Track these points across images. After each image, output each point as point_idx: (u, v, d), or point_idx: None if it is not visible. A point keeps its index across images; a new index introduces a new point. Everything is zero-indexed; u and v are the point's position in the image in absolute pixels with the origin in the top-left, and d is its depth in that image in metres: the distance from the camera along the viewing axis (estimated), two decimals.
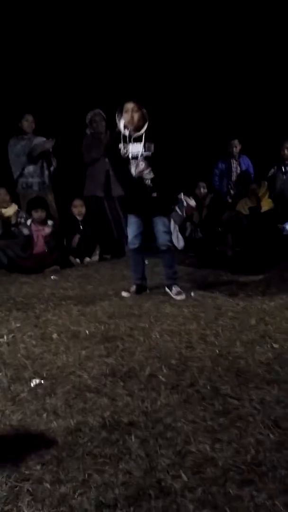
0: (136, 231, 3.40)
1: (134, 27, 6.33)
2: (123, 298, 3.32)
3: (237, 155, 5.97)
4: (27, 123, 5.27)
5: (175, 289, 3.33)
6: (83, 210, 5.21)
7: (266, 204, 5.15)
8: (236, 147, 5.93)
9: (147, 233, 3.49)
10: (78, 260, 5.00)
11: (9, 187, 5.30)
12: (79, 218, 5.20)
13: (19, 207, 5.29)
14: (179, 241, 5.37)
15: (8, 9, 6.03)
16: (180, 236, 5.46)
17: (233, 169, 5.97)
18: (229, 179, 5.97)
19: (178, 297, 3.26)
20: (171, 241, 3.47)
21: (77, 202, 5.22)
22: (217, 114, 6.61)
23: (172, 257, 3.47)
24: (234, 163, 5.98)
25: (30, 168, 5.28)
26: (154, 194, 3.26)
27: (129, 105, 3.16)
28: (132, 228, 3.42)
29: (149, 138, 3.21)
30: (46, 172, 5.37)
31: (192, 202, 5.52)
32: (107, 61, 6.44)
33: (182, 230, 5.50)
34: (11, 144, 5.28)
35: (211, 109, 6.66)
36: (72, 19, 6.32)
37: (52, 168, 5.37)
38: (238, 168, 5.96)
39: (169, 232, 3.45)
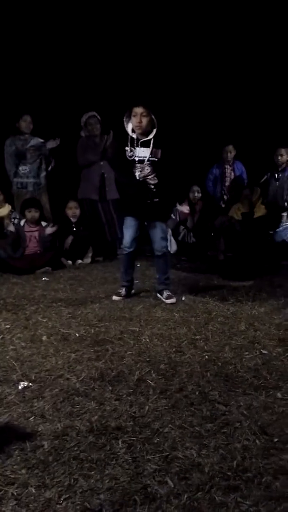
0: (133, 235, 3.40)
1: (132, 33, 6.36)
2: (114, 301, 3.32)
3: (231, 161, 6.01)
4: (25, 123, 5.28)
5: (165, 293, 3.35)
6: (77, 212, 5.21)
7: (259, 210, 5.18)
8: (231, 152, 5.96)
9: (141, 237, 3.50)
10: (70, 262, 4.99)
11: (4, 187, 5.29)
12: (72, 219, 5.19)
13: (13, 207, 5.27)
14: (171, 245, 5.39)
15: (8, 9, 6.02)
16: (173, 240, 5.48)
17: (227, 175, 6.00)
18: (223, 184, 6.00)
19: (169, 301, 3.27)
20: (167, 247, 3.48)
21: (72, 204, 5.21)
22: (212, 119, 6.64)
23: (166, 262, 3.48)
24: (228, 169, 6.01)
25: (25, 169, 5.28)
26: (156, 199, 3.27)
27: (138, 110, 3.16)
28: (129, 232, 3.42)
29: (157, 145, 3.22)
30: (43, 173, 5.38)
31: (186, 208, 5.54)
32: (105, 65, 6.45)
33: (175, 234, 5.52)
34: (7, 144, 5.29)
35: (206, 114, 6.69)
36: (72, 20, 6.33)
37: (50, 168, 5.38)
38: (232, 173, 6.00)
39: (165, 238, 3.46)
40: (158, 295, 3.39)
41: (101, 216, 5.33)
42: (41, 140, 5.33)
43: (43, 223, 4.99)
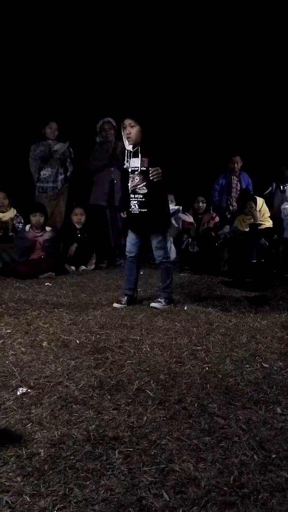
0: (133, 240, 3.44)
1: (148, 47, 6.48)
2: (115, 308, 3.32)
3: (238, 172, 6.02)
4: (50, 130, 5.43)
5: (158, 298, 3.40)
6: (83, 218, 5.23)
7: (267, 222, 5.15)
8: (238, 163, 5.98)
9: (144, 244, 3.51)
10: (73, 267, 4.99)
11: (10, 191, 5.34)
12: (77, 226, 5.21)
13: (17, 211, 5.31)
14: (171, 253, 5.38)
15: (33, 23, 6.19)
16: (173, 248, 5.47)
17: (233, 185, 6.01)
18: (229, 195, 6.01)
19: (153, 304, 3.35)
20: (165, 257, 3.46)
21: (78, 211, 5.24)
22: (219, 129, 6.67)
23: (165, 271, 3.48)
24: (234, 179, 6.02)
25: (45, 173, 5.40)
26: (144, 210, 3.29)
27: (127, 121, 3.25)
28: (130, 237, 3.47)
29: (144, 154, 3.26)
30: (61, 177, 5.45)
31: (189, 218, 5.55)
32: (120, 74, 6.55)
33: (178, 242, 5.52)
34: (32, 150, 5.47)
35: (214, 124, 6.73)
36: (95, 35, 6.48)
37: (68, 174, 5.46)
38: (238, 184, 6.01)
39: (163, 248, 3.45)
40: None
41: (108, 222, 5.35)
42: (62, 144, 5.45)
43: (48, 228, 5.00)
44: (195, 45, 6.61)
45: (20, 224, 5.15)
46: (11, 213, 5.25)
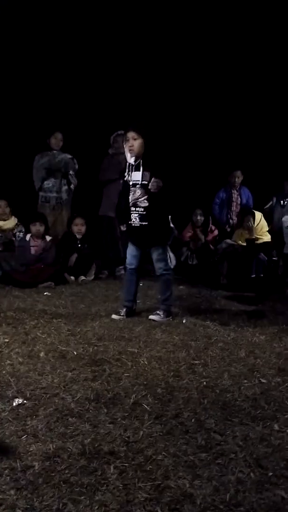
0: (134, 252, 3.45)
1: (156, 58, 6.57)
2: (114, 320, 3.31)
3: (238, 186, 6.05)
4: (55, 140, 5.48)
5: (157, 311, 3.40)
6: (83, 229, 5.24)
7: (264, 237, 5.17)
8: (238, 177, 6.01)
9: (144, 255, 3.51)
10: (73, 277, 4.99)
11: (11, 200, 5.37)
12: (78, 236, 5.23)
13: (19, 220, 5.33)
14: (171, 260, 5.37)
15: (40, 35, 6.28)
16: (172, 255, 5.46)
17: (234, 199, 6.04)
18: (229, 208, 6.03)
19: (151, 316, 3.34)
20: (165, 268, 3.46)
21: (78, 221, 5.26)
22: (220, 143, 6.71)
23: (164, 283, 3.47)
24: (234, 193, 6.05)
25: (49, 183, 5.44)
26: (145, 223, 3.29)
27: (129, 134, 3.28)
28: (130, 249, 3.48)
29: (145, 167, 3.28)
30: (65, 187, 5.49)
31: (188, 231, 5.57)
32: (124, 88, 6.62)
33: (177, 254, 5.51)
34: (36, 160, 5.52)
35: (215, 138, 6.77)
36: (103, 44, 6.56)
37: (72, 186, 5.51)
38: (239, 198, 6.04)
39: (163, 260, 3.45)
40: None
41: (117, 233, 5.38)
42: (70, 156, 5.49)
43: (47, 237, 5.01)
44: (198, 60, 6.69)
45: (21, 233, 5.17)
46: (12, 221, 5.27)
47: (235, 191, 6.05)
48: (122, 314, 3.39)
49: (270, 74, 6.60)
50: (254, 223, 5.05)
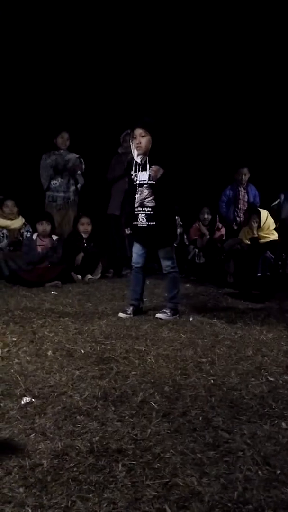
0: (140, 251, 3.45)
1: (162, 59, 6.56)
2: (121, 318, 3.32)
3: (245, 183, 6.03)
4: (62, 140, 5.49)
5: (164, 309, 3.40)
6: (89, 228, 5.26)
7: (271, 235, 5.14)
8: (245, 175, 5.99)
9: (150, 254, 3.51)
10: (79, 276, 5.01)
11: (19, 199, 5.39)
12: (84, 235, 5.24)
13: (26, 220, 5.36)
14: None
15: (47, 36, 6.31)
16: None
17: (241, 197, 6.02)
18: (236, 206, 6.01)
19: (158, 314, 3.34)
20: (173, 266, 3.46)
21: (84, 220, 5.27)
22: (227, 140, 6.70)
23: (171, 281, 3.47)
24: (241, 191, 6.03)
25: (56, 183, 5.46)
26: (152, 223, 3.28)
27: (137, 131, 3.26)
28: (136, 248, 3.47)
29: (152, 166, 3.26)
30: (72, 188, 5.51)
31: (195, 228, 5.56)
32: (130, 87, 6.62)
33: (185, 253, 5.52)
34: (43, 159, 5.53)
35: (221, 135, 6.76)
36: (110, 44, 6.57)
37: (79, 186, 5.52)
38: (246, 196, 6.01)
39: (170, 258, 3.44)
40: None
41: (124, 231, 5.40)
42: (77, 156, 5.51)
43: (54, 237, 5.03)
44: (204, 58, 6.68)
45: (28, 232, 5.19)
46: (19, 221, 5.29)
47: (242, 188, 6.03)
48: (129, 313, 3.39)
49: (278, 72, 6.56)
50: (260, 222, 5.02)
